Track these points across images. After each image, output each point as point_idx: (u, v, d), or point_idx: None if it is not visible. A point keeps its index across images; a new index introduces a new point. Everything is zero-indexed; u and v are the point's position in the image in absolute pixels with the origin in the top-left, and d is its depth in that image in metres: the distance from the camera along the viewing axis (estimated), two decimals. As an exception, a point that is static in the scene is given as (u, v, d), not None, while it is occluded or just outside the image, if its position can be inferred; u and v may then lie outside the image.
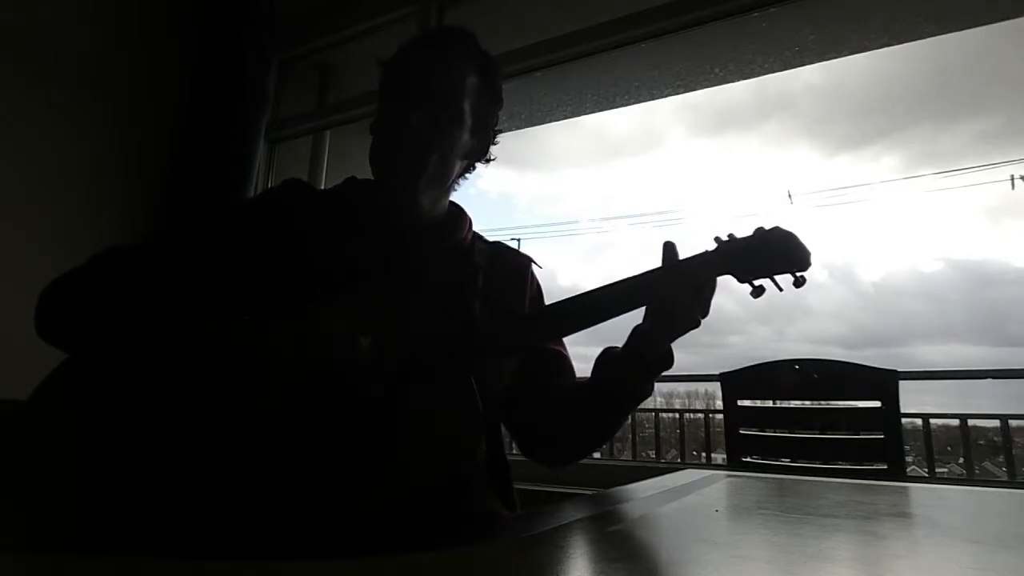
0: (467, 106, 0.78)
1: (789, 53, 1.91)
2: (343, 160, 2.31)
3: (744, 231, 0.71)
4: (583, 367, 0.84)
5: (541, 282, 0.88)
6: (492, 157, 0.86)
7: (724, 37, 1.78)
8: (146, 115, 1.90)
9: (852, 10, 1.74)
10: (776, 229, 0.70)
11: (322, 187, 0.86)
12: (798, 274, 0.69)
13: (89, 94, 1.79)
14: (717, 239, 0.71)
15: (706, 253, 0.71)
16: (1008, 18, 1.75)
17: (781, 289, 0.69)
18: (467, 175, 0.85)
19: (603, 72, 2.02)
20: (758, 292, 0.69)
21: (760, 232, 0.70)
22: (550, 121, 2.43)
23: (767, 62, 1.96)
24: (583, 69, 1.88)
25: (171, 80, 1.94)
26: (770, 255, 0.69)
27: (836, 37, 1.84)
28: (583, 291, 0.70)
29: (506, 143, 0.88)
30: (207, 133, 1.87)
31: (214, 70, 1.90)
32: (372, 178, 0.79)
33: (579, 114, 2.39)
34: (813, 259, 0.68)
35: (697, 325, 0.70)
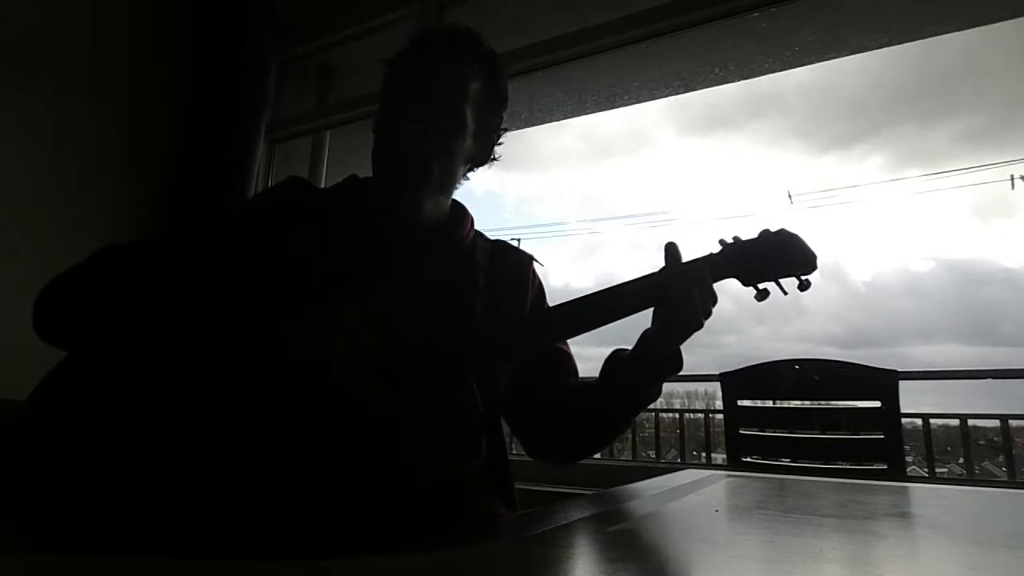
0: (469, 113, 0.77)
1: (789, 53, 1.91)
2: (343, 160, 2.31)
3: (747, 233, 0.70)
4: (585, 367, 0.84)
5: (543, 280, 0.88)
6: (496, 157, 0.86)
7: (724, 37, 1.78)
8: (146, 115, 1.90)
9: (852, 10, 1.74)
10: (781, 231, 0.69)
11: (322, 187, 0.86)
12: (803, 277, 0.68)
13: (89, 94, 1.79)
14: (722, 241, 0.70)
15: (711, 256, 0.70)
16: (1008, 18, 1.75)
17: (786, 293, 0.68)
18: (468, 176, 0.85)
19: (603, 72, 2.02)
20: (762, 295, 0.68)
21: (765, 234, 0.69)
22: (550, 121, 2.43)
23: (767, 62, 1.96)
24: (583, 69, 1.88)
25: (171, 80, 1.94)
26: (775, 258, 0.68)
27: (836, 37, 1.84)
28: (589, 292, 0.70)
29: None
30: (207, 133, 1.87)
31: (214, 70, 1.90)
32: (373, 176, 0.79)
33: (579, 114, 2.39)
34: (819, 261, 0.67)
35: (700, 327, 0.69)
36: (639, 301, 0.69)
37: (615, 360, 0.75)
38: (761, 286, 0.69)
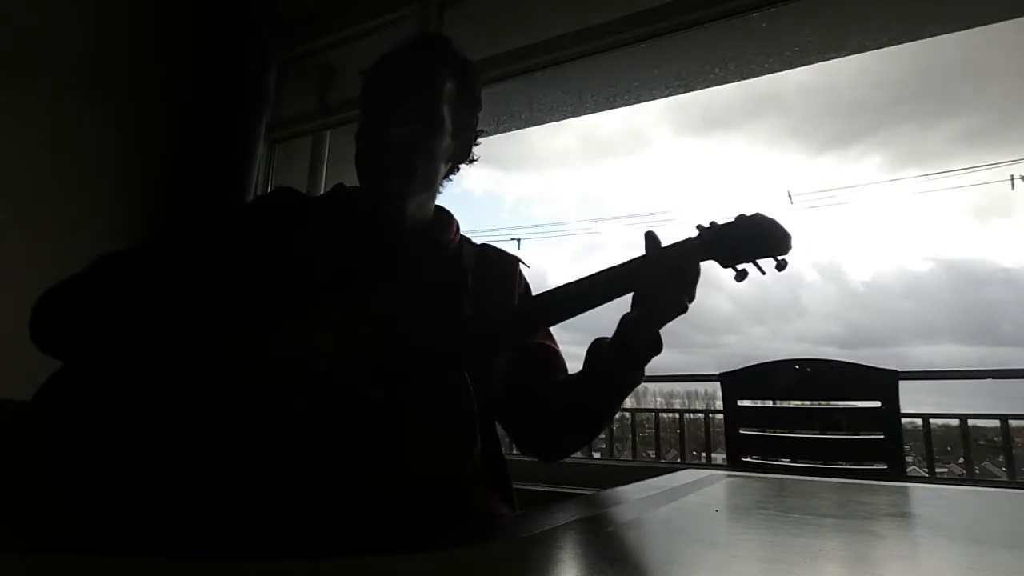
0: (446, 112, 0.80)
1: (789, 53, 1.91)
2: (343, 160, 2.31)
3: (726, 218, 0.72)
4: (573, 366, 0.85)
5: (530, 281, 0.90)
6: (475, 158, 0.89)
7: (724, 37, 1.78)
8: (146, 115, 1.90)
9: (852, 10, 1.74)
10: (757, 215, 0.71)
11: (322, 187, 0.87)
12: (779, 258, 0.70)
13: (89, 94, 1.79)
14: (699, 226, 0.72)
15: (689, 239, 0.72)
16: (1008, 18, 1.75)
17: (764, 272, 0.71)
18: (451, 177, 0.88)
19: (603, 72, 2.02)
20: (741, 276, 0.71)
21: (741, 218, 0.71)
22: (550, 121, 2.43)
23: (767, 62, 1.96)
24: (583, 69, 1.88)
25: (171, 80, 1.94)
26: (751, 240, 0.70)
27: (836, 37, 1.84)
28: (567, 282, 0.71)
29: (491, 143, 0.90)
30: (207, 133, 1.87)
31: (214, 70, 1.90)
32: (359, 179, 0.81)
33: (579, 114, 2.39)
34: (794, 243, 0.69)
35: (684, 310, 0.71)
36: (619, 286, 0.71)
37: (596, 349, 0.76)
38: (740, 267, 0.71)
